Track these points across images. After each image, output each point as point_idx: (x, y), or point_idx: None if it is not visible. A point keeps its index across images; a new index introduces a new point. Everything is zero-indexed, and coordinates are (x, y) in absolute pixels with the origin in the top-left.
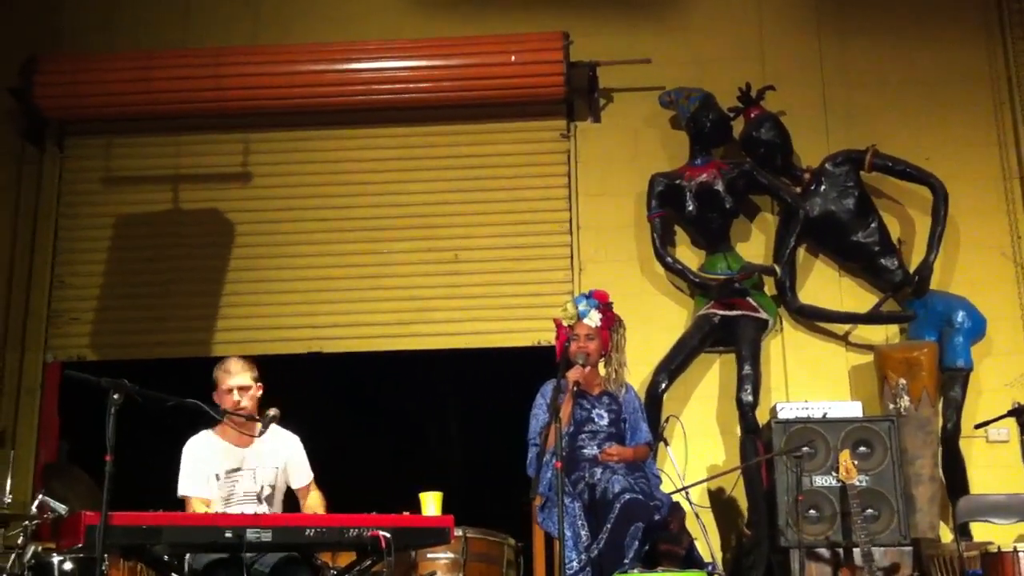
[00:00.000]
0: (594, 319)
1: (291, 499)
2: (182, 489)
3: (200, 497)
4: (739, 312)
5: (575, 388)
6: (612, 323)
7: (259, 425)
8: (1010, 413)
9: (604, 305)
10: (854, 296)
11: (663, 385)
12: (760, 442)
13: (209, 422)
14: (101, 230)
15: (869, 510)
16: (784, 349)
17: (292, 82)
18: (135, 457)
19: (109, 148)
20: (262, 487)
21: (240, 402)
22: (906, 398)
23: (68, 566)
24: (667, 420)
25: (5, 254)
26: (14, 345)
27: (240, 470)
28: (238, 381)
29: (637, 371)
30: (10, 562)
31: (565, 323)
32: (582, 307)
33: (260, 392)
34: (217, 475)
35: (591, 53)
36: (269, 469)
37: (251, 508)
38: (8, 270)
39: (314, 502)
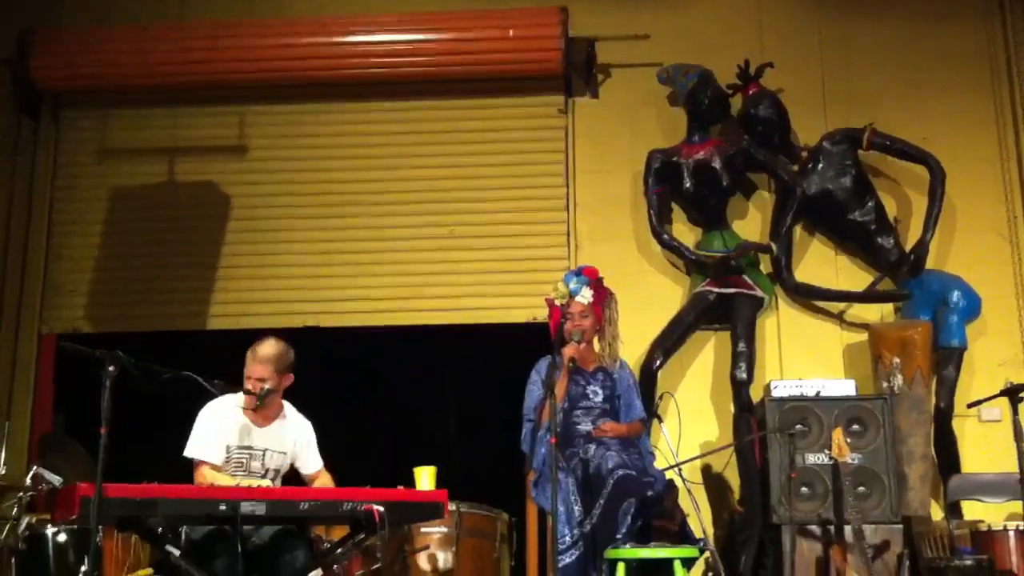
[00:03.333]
0: (586, 296)
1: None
2: (193, 451)
3: (210, 462)
4: (735, 290)
5: (571, 364)
6: (604, 298)
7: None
8: (1003, 392)
9: (595, 281)
10: (850, 275)
11: (658, 362)
12: (754, 419)
13: (206, 395)
14: (97, 203)
15: (861, 488)
16: (779, 327)
17: (288, 55)
18: (130, 429)
19: (105, 121)
20: (267, 470)
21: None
22: (900, 377)
23: (62, 538)
24: (661, 397)
25: (1, 227)
26: (9, 317)
27: (252, 449)
28: (255, 371)
29: (632, 348)
30: (4, 533)
31: (557, 302)
32: (573, 285)
33: (288, 383)
34: (228, 446)
35: (589, 28)
36: (277, 455)
37: None
38: (4, 242)
39: (323, 483)
